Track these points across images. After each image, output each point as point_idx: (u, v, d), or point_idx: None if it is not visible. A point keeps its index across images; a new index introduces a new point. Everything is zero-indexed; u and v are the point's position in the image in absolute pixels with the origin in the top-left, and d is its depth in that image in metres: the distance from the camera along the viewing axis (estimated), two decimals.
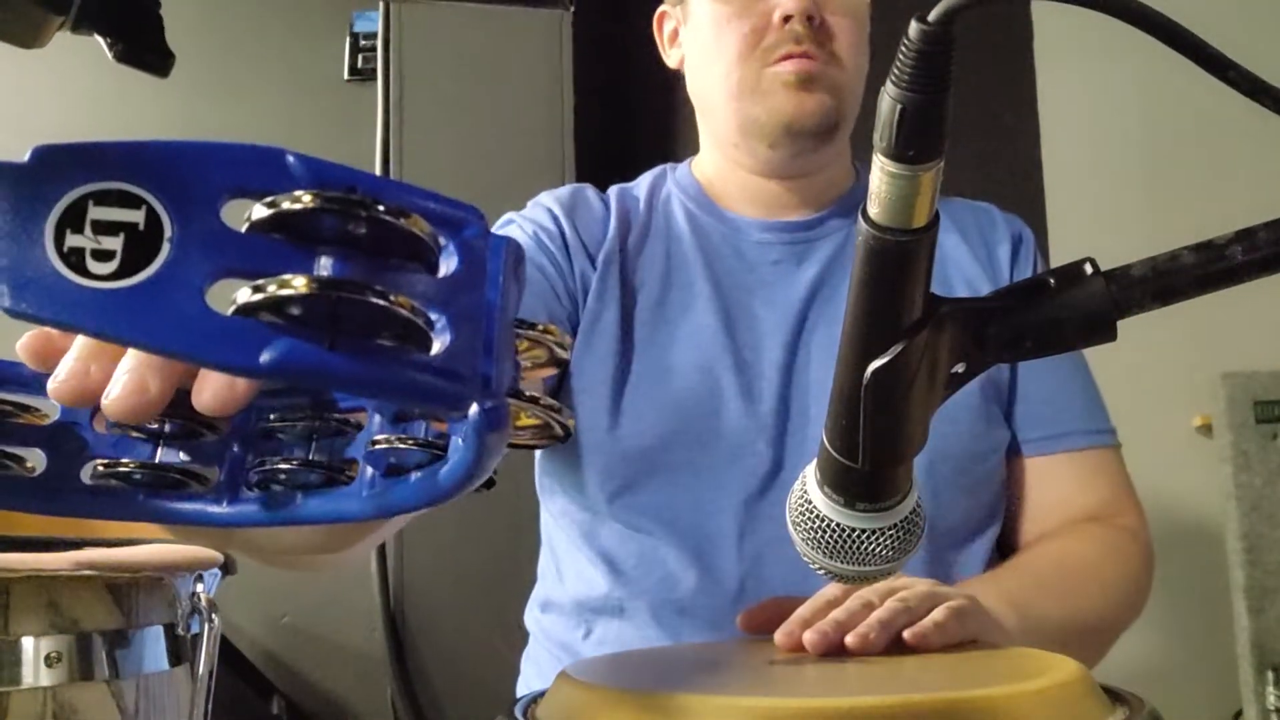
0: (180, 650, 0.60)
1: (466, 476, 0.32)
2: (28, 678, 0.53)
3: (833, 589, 0.70)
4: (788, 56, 0.94)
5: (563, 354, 0.38)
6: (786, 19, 0.93)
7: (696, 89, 1.02)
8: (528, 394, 0.35)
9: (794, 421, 0.93)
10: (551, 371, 0.39)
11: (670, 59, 1.06)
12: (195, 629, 0.61)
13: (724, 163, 1.03)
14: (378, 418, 0.38)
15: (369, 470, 0.36)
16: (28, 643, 0.53)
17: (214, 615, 0.60)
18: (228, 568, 0.67)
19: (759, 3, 0.95)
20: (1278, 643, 1.69)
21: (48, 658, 0.53)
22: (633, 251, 1.00)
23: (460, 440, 0.32)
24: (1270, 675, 1.67)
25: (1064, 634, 0.85)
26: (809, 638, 0.65)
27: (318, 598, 1.94)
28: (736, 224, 1.02)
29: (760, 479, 0.91)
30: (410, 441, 0.34)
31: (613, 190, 1.06)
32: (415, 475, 0.34)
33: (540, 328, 0.36)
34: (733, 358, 0.94)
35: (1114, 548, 0.94)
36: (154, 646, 0.59)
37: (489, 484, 0.34)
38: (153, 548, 0.63)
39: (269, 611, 1.93)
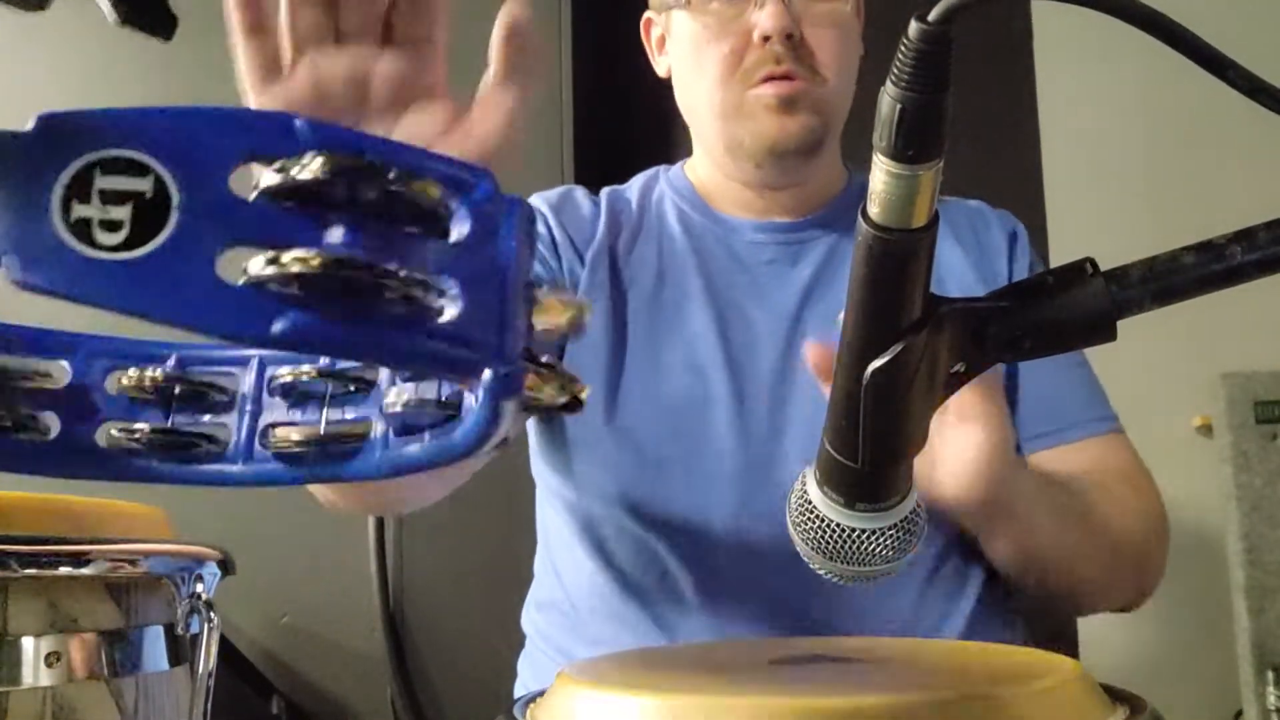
0: (180, 650, 0.60)
1: (481, 438, 0.32)
2: (27, 677, 0.52)
3: None
4: (769, 78, 0.93)
5: (583, 319, 0.37)
6: (766, 38, 0.92)
7: (683, 102, 1.02)
8: (543, 359, 0.35)
9: (788, 422, 0.93)
10: (571, 337, 0.38)
11: (659, 67, 1.06)
12: (195, 629, 0.61)
13: (715, 170, 1.03)
14: (389, 375, 0.38)
15: (382, 428, 0.36)
16: (27, 642, 0.53)
17: (213, 615, 0.60)
18: (227, 567, 0.66)
19: (737, 21, 0.94)
20: (1278, 643, 1.68)
21: (47, 657, 0.53)
22: (624, 250, 1.00)
23: (474, 401, 0.32)
24: (1270, 675, 1.67)
25: (1074, 528, 0.85)
26: None
27: (317, 598, 1.93)
28: (730, 225, 1.02)
29: (753, 480, 0.91)
30: (424, 402, 0.35)
31: (604, 192, 1.07)
32: (429, 434, 0.34)
33: (559, 292, 0.36)
34: (725, 358, 0.94)
35: (1135, 498, 0.94)
36: (153, 646, 0.59)
37: (502, 442, 0.34)
38: (153, 546, 0.63)
39: (268, 611, 1.93)
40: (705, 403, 0.93)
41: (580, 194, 1.05)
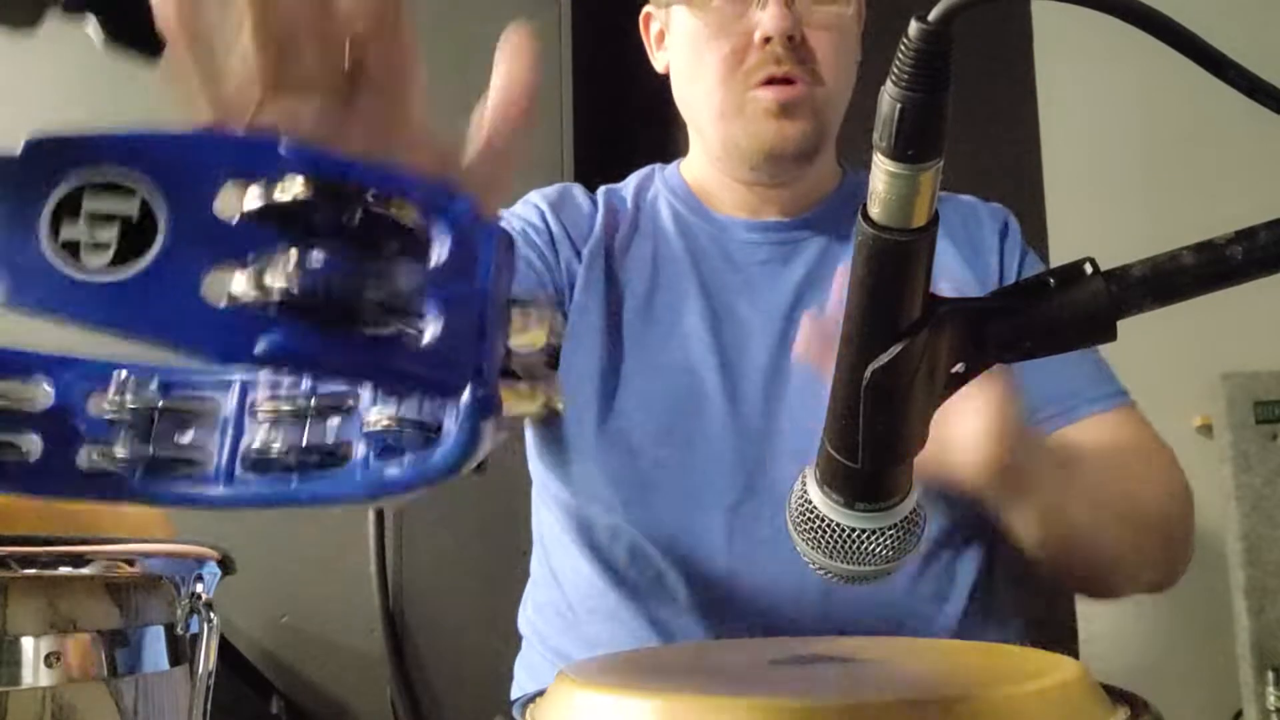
0: (179, 650, 0.60)
1: (460, 460, 0.32)
2: (27, 678, 0.52)
3: None
4: (769, 80, 0.93)
5: (555, 338, 0.38)
6: (767, 40, 0.92)
7: (681, 100, 1.02)
8: (520, 375, 0.35)
9: (781, 421, 0.93)
10: (544, 351, 0.39)
11: (657, 63, 1.06)
12: (194, 629, 0.60)
13: (710, 168, 1.03)
14: (370, 397, 0.38)
15: (362, 451, 0.36)
16: (27, 642, 0.53)
17: (213, 615, 0.60)
18: (227, 567, 0.66)
19: (739, 21, 0.94)
20: (1278, 643, 1.69)
21: (47, 658, 0.53)
22: (620, 250, 1.00)
23: (453, 423, 0.33)
24: (1270, 675, 1.67)
25: (1099, 506, 0.84)
26: None
27: (317, 598, 1.93)
28: (723, 224, 1.02)
29: (746, 479, 0.91)
30: (404, 424, 0.35)
31: (600, 190, 1.07)
32: (409, 456, 0.35)
33: (533, 309, 0.36)
34: (718, 358, 0.94)
35: (1153, 467, 0.93)
36: (153, 646, 0.59)
37: (481, 467, 0.34)
38: (153, 546, 0.63)
39: (268, 611, 1.93)
40: (698, 402, 0.93)
41: (578, 191, 1.06)
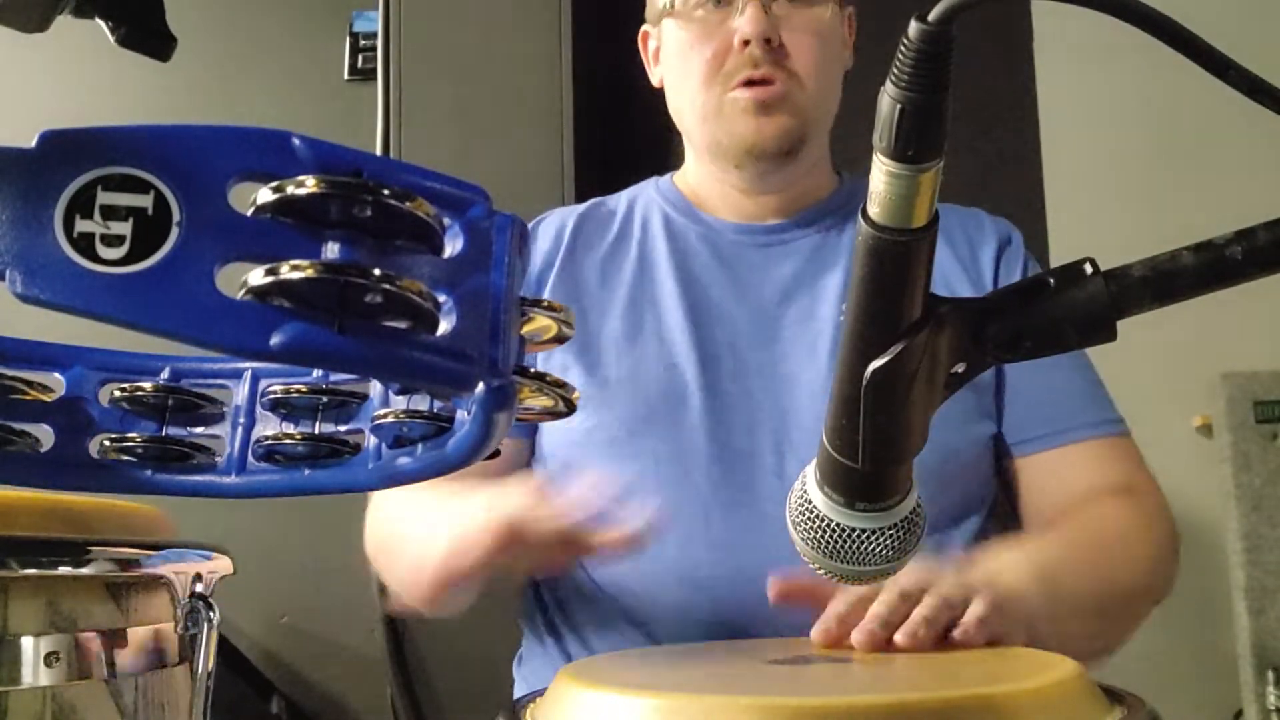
0: (179, 650, 0.60)
1: (474, 450, 0.33)
2: (27, 677, 0.52)
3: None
4: (748, 81, 0.96)
5: (568, 330, 0.38)
6: (746, 42, 0.95)
7: (673, 107, 1.06)
8: (533, 371, 0.35)
9: (762, 416, 0.94)
10: (556, 346, 0.39)
11: (654, 77, 1.10)
12: (195, 629, 0.60)
13: (702, 172, 1.06)
14: (382, 389, 0.38)
15: (375, 441, 0.36)
16: (27, 642, 0.53)
17: (213, 615, 0.60)
18: (227, 567, 0.66)
19: (720, 26, 0.97)
20: (1278, 643, 1.69)
21: (47, 658, 0.53)
22: (595, 256, 1.03)
23: (467, 414, 0.33)
24: (1270, 675, 1.67)
25: (1096, 604, 0.85)
26: (857, 638, 0.65)
27: (317, 598, 1.94)
28: (712, 224, 1.05)
29: (727, 473, 0.92)
30: (416, 414, 0.35)
31: (585, 204, 1.10)
32: (421, 446, 0.35)
33: (545, 304, 0.36)
34: (698, 353, 0.96)
35: (1140, 522, 0.94)
36: (153, 646, 0.59)
37: (493, 454, 0.34)
38: (153, 546, 0.63)
39: (269, 611, 1.93)
40: (678, 396, 0.95)
41: (540, 230, 1.07)
